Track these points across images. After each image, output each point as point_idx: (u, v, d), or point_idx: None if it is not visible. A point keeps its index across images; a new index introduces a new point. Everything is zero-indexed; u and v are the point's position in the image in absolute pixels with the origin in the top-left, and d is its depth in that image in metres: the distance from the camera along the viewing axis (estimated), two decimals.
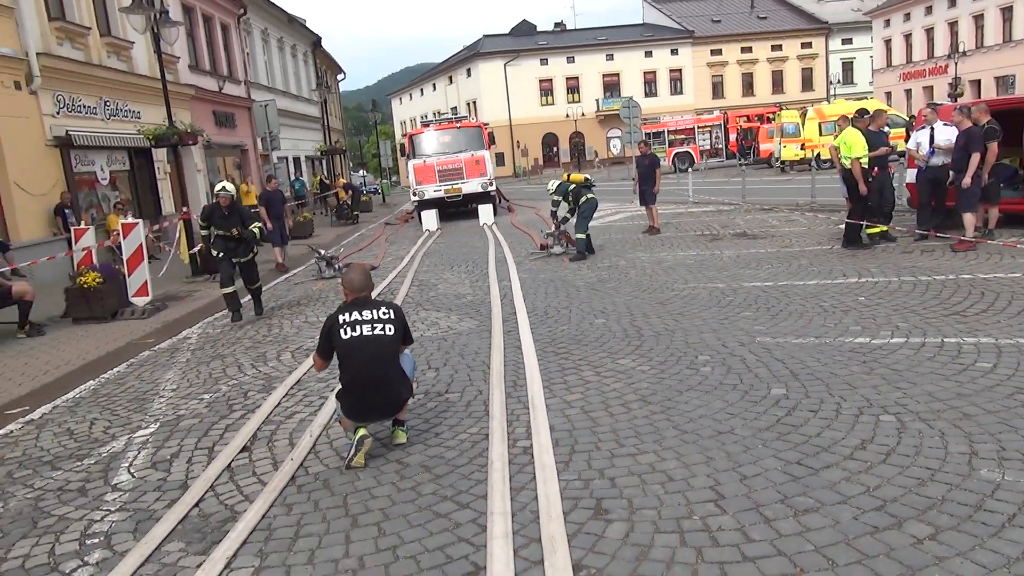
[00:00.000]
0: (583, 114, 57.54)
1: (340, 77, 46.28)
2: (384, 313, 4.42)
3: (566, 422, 4.72)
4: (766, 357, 5.63)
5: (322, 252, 12.93)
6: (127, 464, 4.71)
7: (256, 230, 9.16)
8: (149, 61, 19.15)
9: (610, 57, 59.34)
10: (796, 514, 3.30)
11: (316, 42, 37.39)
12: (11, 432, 5.59)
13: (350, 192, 25.17)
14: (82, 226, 11.96)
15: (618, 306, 8.01)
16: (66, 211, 14.63)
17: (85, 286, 9.77)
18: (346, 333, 4.33)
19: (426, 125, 23.86)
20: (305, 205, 26.80)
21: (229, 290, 9.05)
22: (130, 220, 10.63)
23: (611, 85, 59.51)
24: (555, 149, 59.21)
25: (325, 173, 33.18)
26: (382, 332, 4.36)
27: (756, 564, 2.97)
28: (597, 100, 58.27)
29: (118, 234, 10.53)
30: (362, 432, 4.33)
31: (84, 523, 3.91)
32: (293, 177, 29.15)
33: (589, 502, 3.62)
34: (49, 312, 10.16)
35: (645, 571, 3.01)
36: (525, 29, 64.26)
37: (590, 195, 11.75)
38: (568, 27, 66.36)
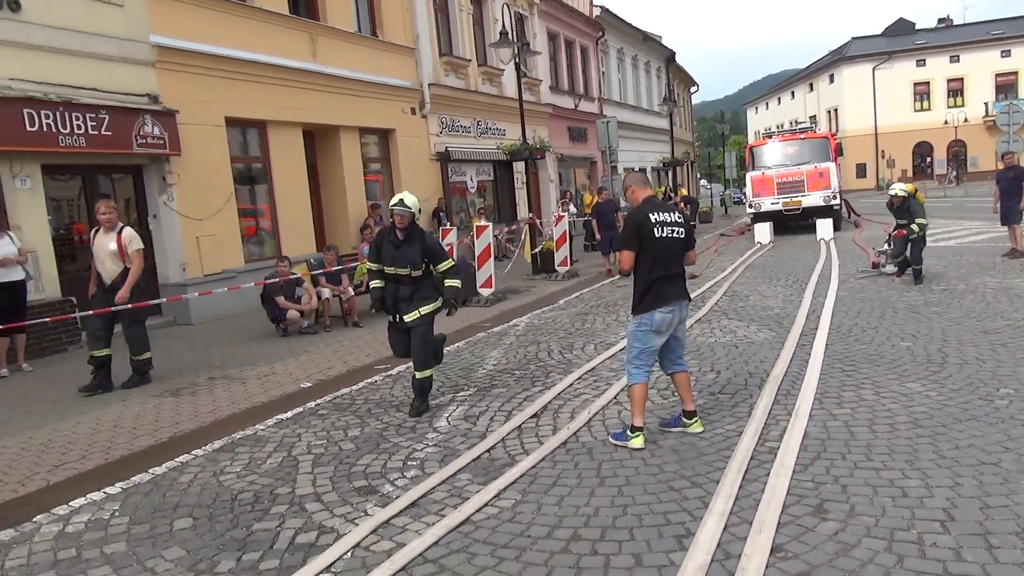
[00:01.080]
0: (966, 120, 50.57)
1: (693, 90, 46.97)
2: (678, 217, 4.97)
3: (823, 431, 4.84)
4: None
5: None
6: (447, 415, 5.95)
7: (451, 280, 6.32)
8: (515, 85, 21.94)
9: (1006, 54, 51.34)
10: None
11: (670, 57, 38.58)
12: (375, 382, 7.27)
13: (687, 204, 25.73)
14: (448, 226, 14.34)
15: (933, 330, 7.51)
16: (441, 214, 17.52)
17: None
18: (658, 232, 4.86)
19: (768, 136, 23.46)
20: None
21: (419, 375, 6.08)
22: (482, 223, 12.52)
23: (1006, 86, 51.44)
24: (928, 160, 52.94)
25: (669, 184, 34.13)
26: (679, 235, 4.91)
27: None
28: (986, 104, 50.75)
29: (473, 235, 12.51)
30: (639, 441, 4.84)
31: (409, 450, 5.16)
32: None
33: (812, 501, 3.83)
34: None
35: (840, 564, 3.21)
36: (901, 28, 58.51)
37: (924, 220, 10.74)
38: (955, 22, 58.80)
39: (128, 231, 7.50)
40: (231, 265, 12.03)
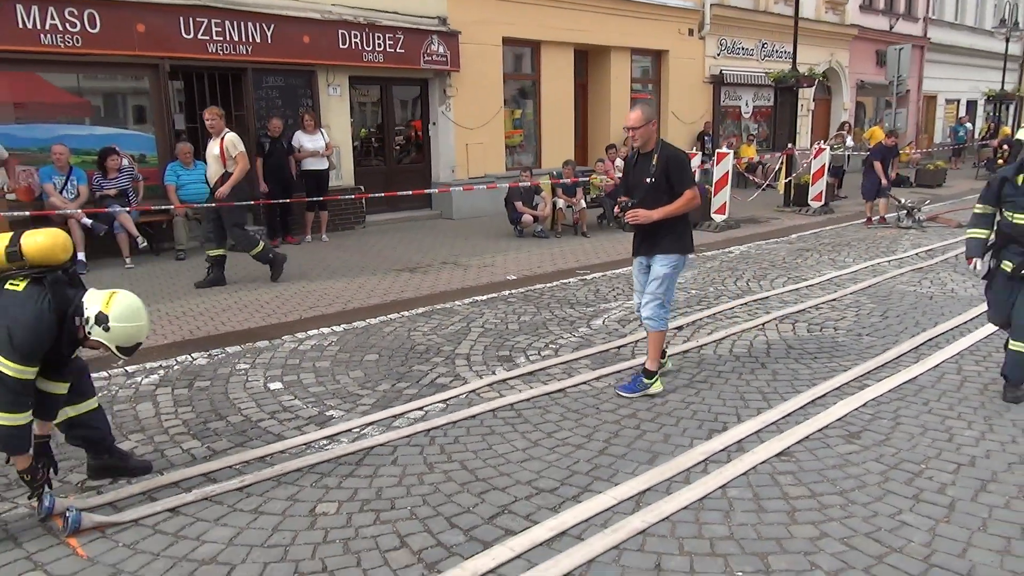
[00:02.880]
0: None
1: None
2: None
3: (935, 378, 4.96)
4: None
5: (902, 200, 12.91)
6: (604, 318, 6.86)
7: None
8: (816, 5, 20.61)
9: None
10: None
11: None
12: (568, 283, 8.33)
13: (1004, 146, 22.34)
14: (724, 150, 14.28)
15: None
16: (706, 137, 17.63)
17: None
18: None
19: None
20: (960, 153, 24.99)
21: None
22: (723, 150, 12.69)
23: None
24: None
25: (994, 121, 29.57)
26: None
27: None
28: None
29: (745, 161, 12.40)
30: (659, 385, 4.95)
31: (557, 337, 6.20)
32: (956, 122, 27.11)
33: (854, 428, 4.21)
34: None
35: (830, 475, 3.68)
36: None
37: None
38: None
39: (230, 136, 7.83)
40: (492, 171, 13.68)
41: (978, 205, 4.82)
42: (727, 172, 12.36)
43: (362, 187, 11.90)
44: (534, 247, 10.51)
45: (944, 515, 3.28)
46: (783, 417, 4.41)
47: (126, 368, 5.36)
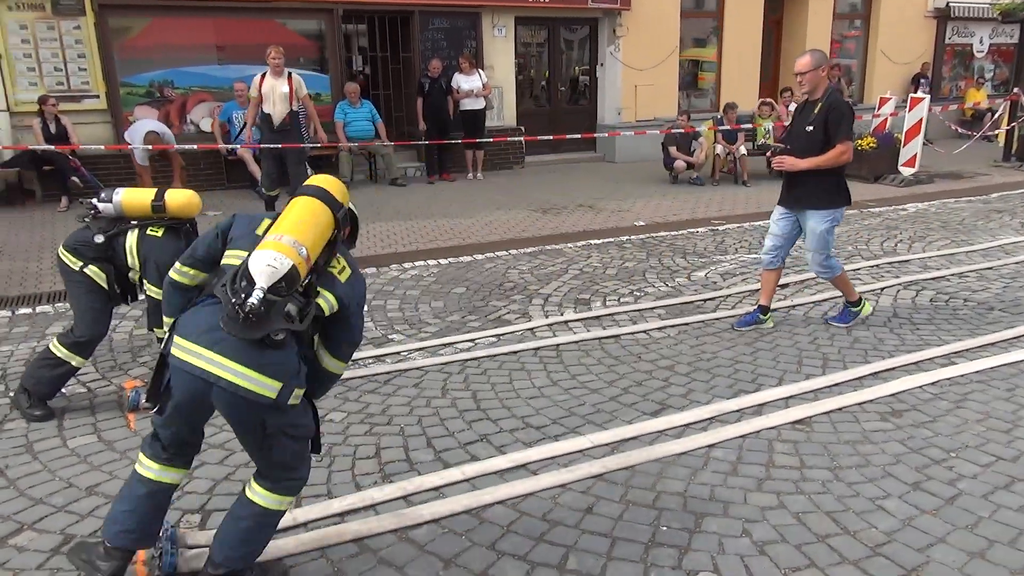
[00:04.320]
0: None
1: None
2: None
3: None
4: None
5: None
6: (710, 270, 6.61)
7: None
8: None
9: None
10: None
11: None
12: (696, 232, 8.06)
13: None
14: (919, 95, 12.77)
15: None
16: (921, 80, 15.70)
17: (859, 148, 11.23)
18: None
19: None
20: None
21: None
22: (919, 95, 11.29)
23: None
24: None
25: None
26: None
27: None
28: None
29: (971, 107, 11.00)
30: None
31: (644, 287, 6.14)
32: None
33: (901, 407, 3.84)
34: None
35: (836, 450, 3.44)
36: None
37: None
38: None
39: (297, 76, 8.09)
40: (663, 114, 13.27)
41: None
42: (920, 120, 11.03)
43: (522, 128, 12.14)
44: (683, 194, 10.20)
45: (936, 507, 2.97)
46: (830, 386, 4.12)
47: None
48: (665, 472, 3.27)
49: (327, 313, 2.40)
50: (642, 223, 8.46)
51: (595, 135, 12.69)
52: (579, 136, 11.64)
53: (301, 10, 10.43)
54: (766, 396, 4.00)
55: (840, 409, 3.83)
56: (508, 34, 11.94)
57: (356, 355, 4.57)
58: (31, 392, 3.80)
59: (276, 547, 2.70)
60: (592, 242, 7.60)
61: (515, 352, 4.71)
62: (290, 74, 8.15)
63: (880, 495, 3.07)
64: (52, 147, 8.63)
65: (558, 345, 4.81)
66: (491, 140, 11.14)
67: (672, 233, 7.99)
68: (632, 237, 7.81)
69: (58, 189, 9.02)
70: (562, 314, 5.43)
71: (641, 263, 6.79)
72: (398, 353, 4.70)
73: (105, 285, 3.84)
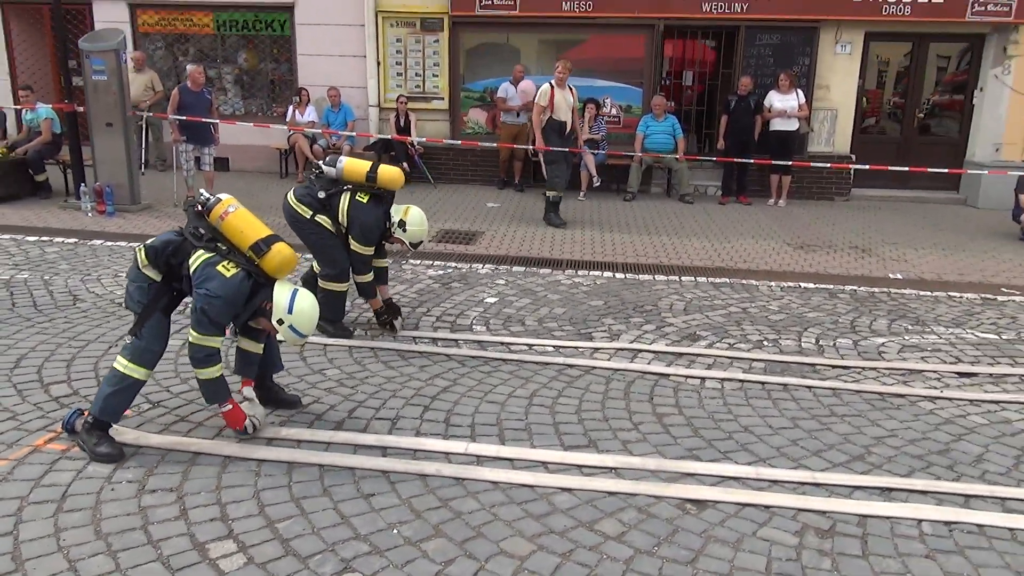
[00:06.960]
0: None
1: None
2: None
3: None
4: None
5: None
6: (917, 349, 5.44)
7: None
8: None
9: None
10: None
11: None
12: (959, 298, 6.53)
13: None
14: None
15: None
16: None
17: None
18: None
19: None
20: None
21: None
22: None
23: None
24: None
25: None
26: None
27: None
28: None
29: None
30: None
31: (814, 337, 5.38)
32: None
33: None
34: None
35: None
36: None
37: None
38: None
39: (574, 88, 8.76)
40: None
41: None
42: None
43: (853, 156, 10.83)
44: (1016, 256, 8.12)
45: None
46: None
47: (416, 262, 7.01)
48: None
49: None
50: (900, 276, 7.14)
51: (961, 171, 10.67)
52: (937, 170, 9.70)
53: (622, 25, 10.88)
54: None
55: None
56: (854, 51, 10.73)
57: (444, 335, 5.10)
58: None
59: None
60: (806, 285, 6.72)
61: (571, 365, 4.69)
62: (570, 87, 8.78)
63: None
64: (390, 137, 10.69)
65: (616, 370, 4.61)
66: (808, 165, 10.15)
67: (920, 293, 6.60)
68: (860, 289, 6.67)
69: None
70: (664, 344, 5.13)
71: (833, 318, 5.82)
72: (479, 342, 5.05)
73: (333, 230, 4.86)
